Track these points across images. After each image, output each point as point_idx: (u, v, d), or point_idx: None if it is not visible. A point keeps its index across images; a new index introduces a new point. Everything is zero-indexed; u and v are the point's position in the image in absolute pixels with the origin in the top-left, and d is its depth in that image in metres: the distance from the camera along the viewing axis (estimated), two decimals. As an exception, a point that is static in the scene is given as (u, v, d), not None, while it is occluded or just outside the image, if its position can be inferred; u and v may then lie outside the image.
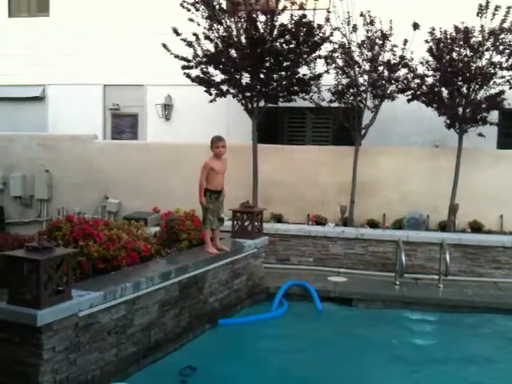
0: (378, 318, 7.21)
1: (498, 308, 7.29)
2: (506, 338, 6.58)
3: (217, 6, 9.58)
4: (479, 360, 5.87)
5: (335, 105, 10.39)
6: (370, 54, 9.89)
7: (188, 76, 10.12)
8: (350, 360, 5.82)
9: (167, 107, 12.80)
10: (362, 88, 10.08)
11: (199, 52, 9.92)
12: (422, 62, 9.78)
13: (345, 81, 10.20)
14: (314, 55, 9.97)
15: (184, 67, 10.06)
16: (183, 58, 9.97)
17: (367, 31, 9.79)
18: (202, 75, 10.10)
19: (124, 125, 13.55)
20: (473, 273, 8.58)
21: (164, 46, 9.89)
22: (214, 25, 9.75)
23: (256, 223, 7.86)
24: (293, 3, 9.53)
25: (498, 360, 5.90)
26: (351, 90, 10.17)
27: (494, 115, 10.15)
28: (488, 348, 6.25)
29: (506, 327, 6.91)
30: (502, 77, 9.55)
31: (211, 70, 10.10)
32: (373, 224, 10.08)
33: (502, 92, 9.60)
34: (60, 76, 13.27)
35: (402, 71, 9.92)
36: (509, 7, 9.27)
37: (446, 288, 7.96)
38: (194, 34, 9.81)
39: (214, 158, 6.78)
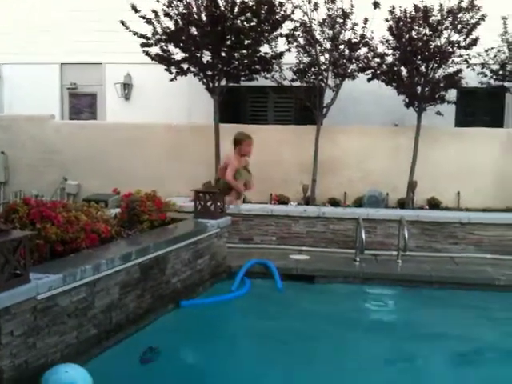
0: (339, 293, 7.36)
1: (453, 282, 7.53)
2: (459, 308, 6.85)
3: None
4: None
5: (297, 84, 10.41)
6: (331, 32, 9.90)
7: (147, 54, 9.94)
8: (311, 335, 5.91)
9: (127, 86, 12.57)
10: (324, 67, 10.11)
11: (159, 29, 9.75)
12: (382, 41, 9.87)
13: (306, 59, 10.20)
14: (275, 33, 9.93)
15: (143, 45, 9.88)
16: (142, 36, 9.78)
17: (328, 9, 9.78)
18: (161, 53, 9.93)
19: (82, 104, 13.25)
20: (430, 248, 8.80)
21: (122, 23, 9.67)
22: (174, 1, 9.59)
23: (219, 203, 7.84)
24: (253, -20, 9.44)
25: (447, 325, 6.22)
26: (312, 69, 10.20)
27: (451, 94, 10.36)
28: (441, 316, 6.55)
29: (459, 299, 7.14)
30: (460, 55, 9.74)
31: (171, 47, 9.95)
32: (334, 202, 10.21)
33: (460, 71, 9.80)
34: (15, 55, 12.83)
35: (363, 50, 9.99)
36: (466, -14, 9.42)
37: (405, 263, 8.15)
38: (153, 11, 9.62)
39: (238, 157, 6.36)
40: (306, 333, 5.94)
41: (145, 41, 9.83)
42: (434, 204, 10.13)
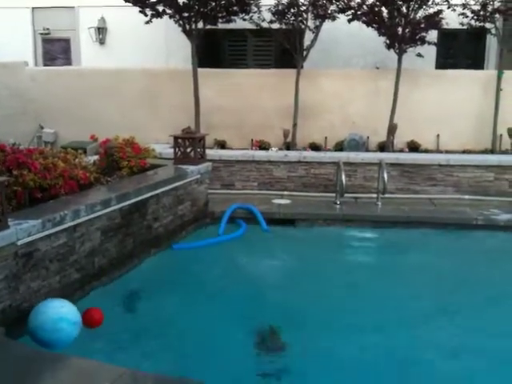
0: (320, 235, 7.49)
1: (431, 222, 7.69)
2: (435, 248, 7.08)
3: None
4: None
5: (276, 26, 10.16)
6: (310, -29, 9.62)
7: (121, -5, 9.58)
8: (298, 275, 6.11)
9: (101, 30, 12.17)
10: (303, 8, 9.87)
11: (132, -31, 9.36)
12: (362, -20, 9.62)
13: (285, 0, 9.93)
14: (253, -28, 9.61)
15: (116, -14, 9.50)
16: (115, -24, 9.40)
17: None
18: (135, -6, 9.58)
19: (56, 50, 12.84)
20: (409, 190, 8.92)
21: (93, -38, 9.26)
22: None
23: (198, 149, 7.79)
24: None
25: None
26: (292, 10, 9.94)
27: (432, 35, 10.22)
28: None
29: (435, 239, 7.35)
30: (441, -5, 9.56)
31: (145, -12, 9.58)
32: (315, 147, 10.20)
33: (440, 11, 9.63)
34: (-18, -2, 12.28)
35: (343, -10, 9.74)
36: None
37: (384, 206, 8.27)
38: (125, -51, 9.21)
39: None
40: (291, 275, 6.14)
41: (118, -19, 9.47)
42: (413, 147, 10.17)
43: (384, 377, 4.07)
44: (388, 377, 4.07)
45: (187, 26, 9.70)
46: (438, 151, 10.13)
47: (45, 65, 12.75)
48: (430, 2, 9.60)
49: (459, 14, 9.98)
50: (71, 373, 3.30)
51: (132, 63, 11.33)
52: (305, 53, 10.08)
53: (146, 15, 9.72)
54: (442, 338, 4.65)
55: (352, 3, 9.76)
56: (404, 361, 4.25)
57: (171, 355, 4.30)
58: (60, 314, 4.18)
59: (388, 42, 9.92)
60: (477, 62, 11.80)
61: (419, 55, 9.87)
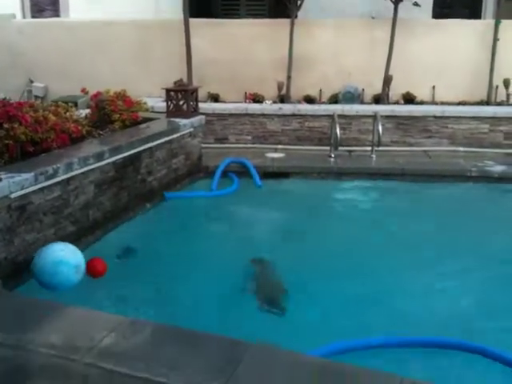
0: (314, 188, 7.52)
1: (425, 174, 7.70)
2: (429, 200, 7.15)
3: None
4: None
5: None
6: None
7: None
8: (291, 228, 6.15)
9: (89, -21, 11.79)
10: (297, -46, 9.56)
11: None
12: None
13: None
14: None
15: None
16: None
17: None
18: None
19: (44, 2, 12.45)
20: (404, 143, 8.91)
21: None
22: None
23: (191, 102, 7.69)
24: None
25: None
26: (286, -43, 9.64)
27: (429, -17, 9.99)
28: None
29: (430, 191, 7.39)
30: None
31: None
32: (309, 100, 10.06)
33: (439, -43, 9.38)
34: None
35: None
36: None
37: (379, 158, 8.27)
38: None
39: None
40: (289, 227, 6.19)
41: None
42: (409, 99, 10.03)
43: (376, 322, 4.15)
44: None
45: (178, -25, 9.42)
46: (434, 103, 10.02)
47: (33, 17, 12.39)
48: None
49: (457, -39, 9.73)
50: (69, 322, 3.34)
51: (121, 14, 11.01)
52: (299, 2, 9.83)
53: (134, -37, 9.41)
54: (442, 289, 4.70)
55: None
56: (395, 312, 4.32)
57: (168, 304, 4.36)
58: (60, 257, 4.28)
59: (384, -10, 9.68)
60: (474, 12, 11.58)
61: (416, 4, 9.66)
